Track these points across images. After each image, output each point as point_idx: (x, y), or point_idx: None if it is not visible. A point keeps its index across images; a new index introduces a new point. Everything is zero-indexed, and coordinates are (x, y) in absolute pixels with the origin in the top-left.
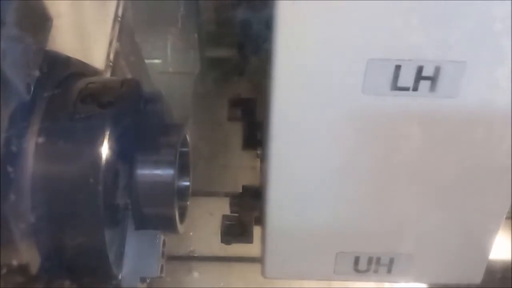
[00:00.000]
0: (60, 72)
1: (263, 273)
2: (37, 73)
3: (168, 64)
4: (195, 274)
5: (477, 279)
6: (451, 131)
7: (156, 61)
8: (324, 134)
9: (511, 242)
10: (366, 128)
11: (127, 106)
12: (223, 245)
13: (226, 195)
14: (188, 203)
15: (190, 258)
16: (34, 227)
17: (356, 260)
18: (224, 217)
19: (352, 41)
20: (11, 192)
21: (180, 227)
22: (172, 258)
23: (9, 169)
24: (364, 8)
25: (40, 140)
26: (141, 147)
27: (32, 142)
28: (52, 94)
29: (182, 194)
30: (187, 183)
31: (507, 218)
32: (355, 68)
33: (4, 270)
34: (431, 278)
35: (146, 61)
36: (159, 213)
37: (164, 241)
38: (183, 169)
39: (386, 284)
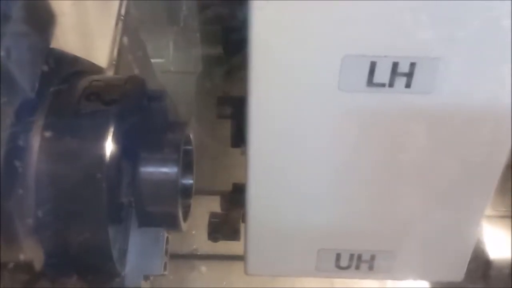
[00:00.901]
0: (65, 69)
1: (245, 270)
2: (42, 70)
3: (170, 63)
4: (202, 269)
5: (459, 276)
6: (428, 127)
7: (159, 60)
8: (302, 131)
9: (511, 241)
10: (343, 124)
11: (131, 103)
12: (226, 243)
13: None
14: (191, 201)
15: (193, 257)
16: (38, 223)
17: (338, 257)
18: (211, 214)
19: (327, 38)
20: (15, 189)
21: (184, 225)
22: (175, 257)
23: (13, 165)
24: (338, 5)
25: (44, 137)
26: (145, 145)
27: (36, 139)
28: (56, 92)
29: (186, 192)
30: (191, 181)
31: (507, 217)
32: (331, 65)
33: (8, 267)
34: (412, 275)
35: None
36: (162, 211)
37: (167, 238)
38: (186, 167)
39: (389, 283)
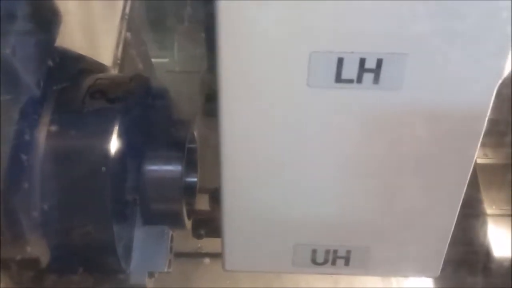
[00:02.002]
0: (70, 67)
1: (223, 265)
2: (47, 68)
3: (175, 63)
4: (206, 261)
5: (435, 272)
6: (397, 123)
7: (163, 60)
8: (273, 127)
9: (511, 240)
10: (313, 120)
11: (135, 101)
12: None
13: None
14: (195, 199)
15: (197, 255)
16: (43, 219)
17: (314, 253)
18: (195, 212)
19: (294, 35)
20: (21, 184)
21: (188, 223)
22: (179, 255)
23: (19, 161)
24: (304, 3)
25: (50, 134)
26: (149, 143)
27: (42, 136)
28: (61, 89)
29: (190, 190)
30: (195, 179)
31: (507, 215)
32: (299, 62)
33: (14, 263)
34: (388, 271)
35: (153, 60)
36: (167, 209)
37: (172, 236)
38: (191, 165)
39: (394, 283)
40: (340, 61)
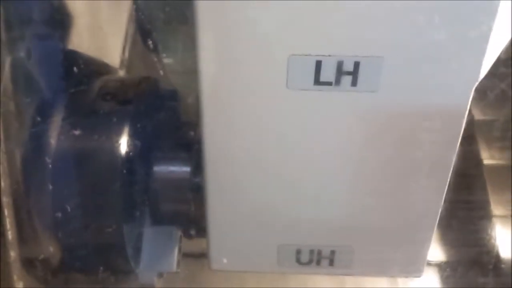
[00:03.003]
0: (81, 70)
1: (209, 265)
2: (59, 71)
3: (179, 63)
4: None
5: (419, 273)
6: (375, 125)
7: (168, 60)
8: (254, 129)
9: (511, 241)
10: (294, 121)
11: (145, 102)
12: None
13: None
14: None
15: (205, 256)
16: (54, 220)
17: (298, 253)
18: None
19: (272, 38)
20: (33, 186)
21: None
22: (187, 255)
23: (32, 163)
24: (282, 5)
25: (62, 136)
26: (158, 144)
27: (54, 138)
28: (73, 92)
29: (198, 191)
30: None
31: (507, 217)
32: (278, 64)
33: (26, 263)
34: (373, 271)
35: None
36: (175, 210)
37: (181, 236)
38: (199, 167)
39: (400, 284)
40: (318, 64)
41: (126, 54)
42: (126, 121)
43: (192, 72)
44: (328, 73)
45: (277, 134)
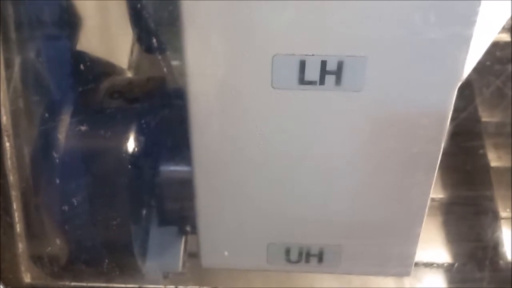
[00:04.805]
0: (90, 70)
1: (201, 263)
2: (69, 71)
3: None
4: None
5: (407, 272)
6: (361, 124)
7: (174, 62)
8: (240, 127)
9: (511, 242)
10: (279, 121)
11: (153, 101)
12: None
13: None
14: None
15: None
16: (63, 217)
17: (287, 251)
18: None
19: (256, 38)
20: (42, 183)
21: None
22: (193, 255)
23: (41, 161)
24: (265, 5)
25: (70, 134)
26: (165, 142)
27: (62, 136)
28: (82, 91)
29: None
30: None
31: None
32: (262, 64)
33: (33, 259)
34: (361, 269)
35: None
36: (182, 210)
37: (186, 236)
38: None
39: (407, 284)
40: (302, 64)
41: (134, 55)
42: (134, 119)
43: None
44: (312, 73)
45: (263, 133)
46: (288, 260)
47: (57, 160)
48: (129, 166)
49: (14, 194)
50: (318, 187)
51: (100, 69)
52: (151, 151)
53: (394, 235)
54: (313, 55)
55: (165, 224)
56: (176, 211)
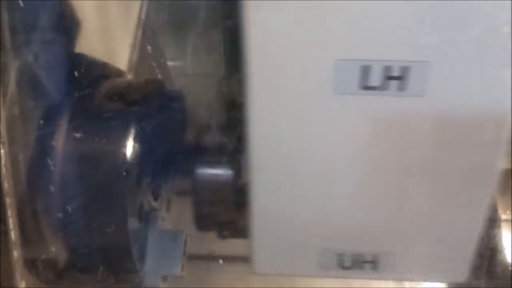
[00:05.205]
0: (88, 73)
1: (252, 269)
2: (67, 74)
3: (189, 65)
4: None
5: (462, 277)
6: (422, 129)
7: (177, 63)
8: (301, 133)
9: (511, 243)
10: (339, 126)
11: (152, 104)
12: (242, 245)
13: None
14: None
15: (210, 258)
16: (62, 221)
17: (341, 257)
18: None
19: (320, 42)
20: (41, 187)
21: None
22: (192, 257)
23: (40, 165)
24: (331, 10)
25: (69, 138)
26: (200, 148)
27: (61, 140)
28: (80, 94)
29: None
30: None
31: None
32: (325, 69)
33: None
34: (416, 276)
35: (168, 63)
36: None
37: (185, 240)
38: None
39: (406, 284)
40: (365, 69)
41: (134, 57)
42: (133, 121)
43: (202, 74)
44: (375, 78)
45: (323, 138)
46: (342, 266)
47: (56, 166)
48: (128, 170)
49: (9, 201)
50: (375, 193)
51: (98, 72)
52: (149, 153)
53: (451, 241)
54: (377, 60)
55: (202, 229)
56: (214, 215)
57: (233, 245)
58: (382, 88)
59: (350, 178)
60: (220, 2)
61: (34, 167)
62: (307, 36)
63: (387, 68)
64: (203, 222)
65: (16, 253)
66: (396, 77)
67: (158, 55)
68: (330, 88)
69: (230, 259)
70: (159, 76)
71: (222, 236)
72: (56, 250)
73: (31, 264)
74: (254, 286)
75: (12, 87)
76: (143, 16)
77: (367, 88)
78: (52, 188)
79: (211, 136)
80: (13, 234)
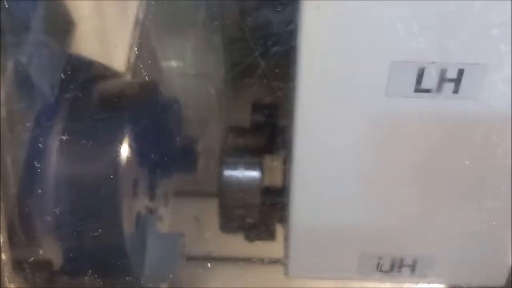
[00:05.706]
0: (83, 74)
1: (287, 272)
2: (61, 76)
3: (189, 66)
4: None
5: (501, 280)
6: (474, 132)
7: (176, 63)
8: (348, 136)
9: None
10: (390, 130)
11: (145, 107)
12: (241, 245)
13: None
14: None
15: (207, 259)
16: (55, 223)
17: (379, 261)
18: (246, 215)
19: (375, 44)
20: (34, 190)
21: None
22: (190, 258)
23: (33, 167)
24: (387, 11)
25: (63, 139)
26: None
27: (55, 142)
28: (75, 96)
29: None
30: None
31: None
32: (378, 71)
33: (27, 265)
34: (454, 279)
35: (166, 64)
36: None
37: (183, 242)
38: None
39: (406, 284)
40: (420, 71)
41: (132, 58)
42: (126, 125)
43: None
44: (430, 80)
45: (372, 142)
46: (380, 270)
47: (50, 168)
48: (122, 173)
49: None
50: (417, 197)
51: (94, 73)
52: (143, 156)
53: (489, 244)
54: (433, 62)
55: (228, 231)
56: (241, 218)
57: (230, 247)
58: (436, 90)
59: (393, 182)
60: (220, 2)
61: (26, 170)
62: (362, 37)
63: (443, 71)
64: (229, 224)
65: (4, 256)
66: (451, 80)
67: (153, 56)
68: (382, 91)
69: (227, 260)
70: (154, 77)
71: (249, 239)
72: (47, 253)
73: (19, 267)
74: (251, 285)
75: (1, 88)
76: (140, 17)
77: (420, 90)
78: (44, 191)
79: (237, 138)
80: (1, 237)
